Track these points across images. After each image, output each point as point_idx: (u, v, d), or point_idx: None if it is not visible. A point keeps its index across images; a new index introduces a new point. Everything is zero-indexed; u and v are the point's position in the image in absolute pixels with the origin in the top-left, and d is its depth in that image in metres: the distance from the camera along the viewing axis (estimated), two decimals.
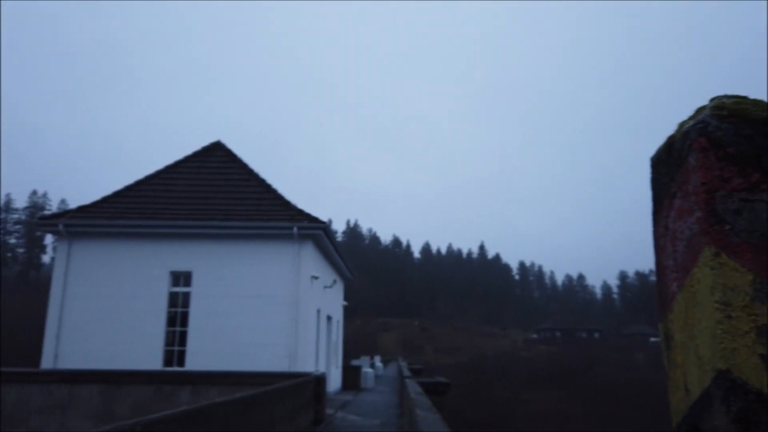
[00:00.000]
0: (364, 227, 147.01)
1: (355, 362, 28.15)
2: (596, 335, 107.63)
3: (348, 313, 30.66)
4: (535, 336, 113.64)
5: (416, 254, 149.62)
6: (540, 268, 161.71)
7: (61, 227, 16.40)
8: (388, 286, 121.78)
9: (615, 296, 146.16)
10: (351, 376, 24.36)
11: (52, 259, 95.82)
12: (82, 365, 15.36)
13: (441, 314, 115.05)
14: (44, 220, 17.33)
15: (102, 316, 16.20)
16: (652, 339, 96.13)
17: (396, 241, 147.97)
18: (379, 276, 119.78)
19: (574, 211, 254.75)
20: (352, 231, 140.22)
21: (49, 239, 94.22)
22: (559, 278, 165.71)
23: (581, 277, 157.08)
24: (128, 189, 17.91)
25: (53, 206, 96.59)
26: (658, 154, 1.24)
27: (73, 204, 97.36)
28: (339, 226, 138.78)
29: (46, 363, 16.16)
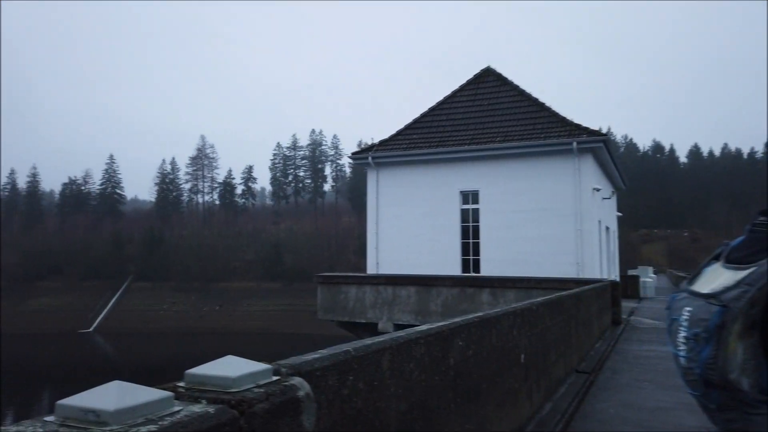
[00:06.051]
0: (618, 134, 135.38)
1: (631, 272, 27.86)
2: None
3: None
4: None
5: (682, 159, 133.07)
6: None
7: (369, 159, 19.79)
8: (649, 195, 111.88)
9: None
10: (629, 286, 24.38)
11: (332, 186, 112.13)
12: (397, 271, 18.73)
13: (715, 224, 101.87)
14: (356, 154, 21.04)
15: (408, 231, 19.37)
16: None
17: (657, 147, 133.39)
18: (638, 184, 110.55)
19: None
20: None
21: (328, 170, 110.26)
22: None
23: None
24: (416, 122, 20.43)
25: (328, 142, 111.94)
26: None
27: (344, 138, 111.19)
28: None
29: (371, 269, 20.16)
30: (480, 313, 4.30)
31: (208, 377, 1.65)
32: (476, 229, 18.58)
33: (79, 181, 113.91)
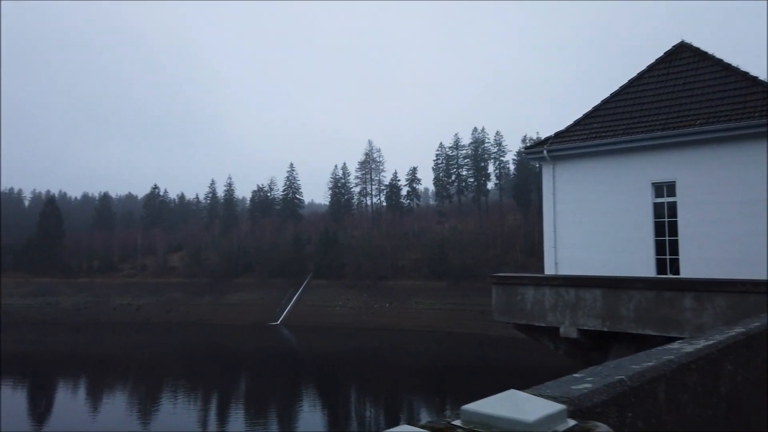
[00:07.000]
0: None
1: None
2: None
3: None
4: None
5: None
6: None
7: (545, 153, 18.64)
8: None
9: None
10: None
11: (495, 184, 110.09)
12: (577, 271, 17.34)
13: None
14: (529, 149, 20.02)
15: (590, 229, 17.85)
16: None
17: None
18: None
19: None
20: None
21: (491, 168, 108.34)
22: None
23: None
24: (597, 109, 18.78)
25: (490, 139, 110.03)
26: None
27: (507, 135, 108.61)
28: None
29: (549, 269, 18.98)
30: (741, 329, 3.47)
31: (494, 419, 1.30)
32: (673, 225, 16.46)
33: (265, 189, 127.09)
